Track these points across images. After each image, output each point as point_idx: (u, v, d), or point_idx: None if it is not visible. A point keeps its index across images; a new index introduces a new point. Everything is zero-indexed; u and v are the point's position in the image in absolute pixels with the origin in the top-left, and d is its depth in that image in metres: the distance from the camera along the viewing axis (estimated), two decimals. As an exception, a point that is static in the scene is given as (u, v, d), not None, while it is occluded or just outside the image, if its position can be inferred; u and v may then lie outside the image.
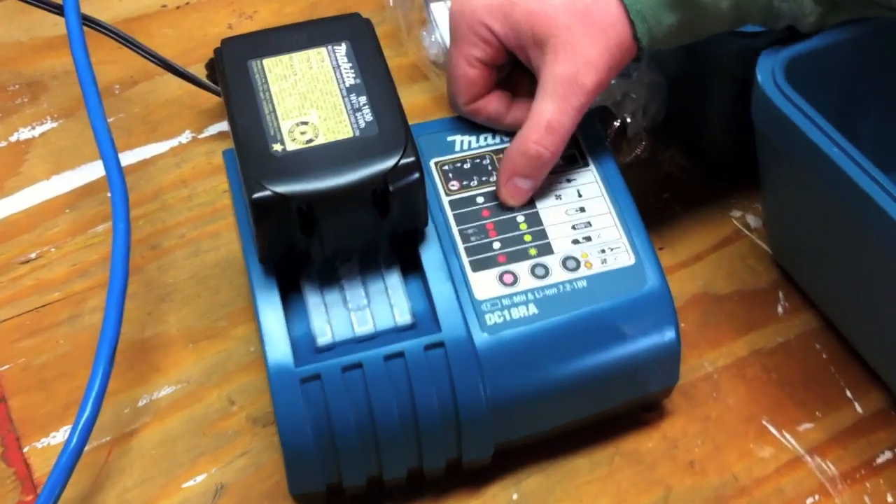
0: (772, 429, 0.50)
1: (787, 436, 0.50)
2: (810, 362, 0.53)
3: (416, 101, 0.66)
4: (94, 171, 0.62)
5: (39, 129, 0.65)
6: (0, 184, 0.62)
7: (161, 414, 0.52)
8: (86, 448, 0.49)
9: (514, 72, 0.50)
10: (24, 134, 0.64)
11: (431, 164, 0.50)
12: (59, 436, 0.51)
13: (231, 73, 0.45)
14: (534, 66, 0.47)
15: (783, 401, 0.51)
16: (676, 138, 0.61)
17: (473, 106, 0.49)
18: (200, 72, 0.63)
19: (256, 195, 0.41)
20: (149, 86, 0.67)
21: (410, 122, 0.65)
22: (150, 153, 0.64)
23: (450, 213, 0.48)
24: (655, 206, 0.59)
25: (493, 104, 0.49)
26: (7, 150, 0.63)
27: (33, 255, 0.58)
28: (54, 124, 0.65)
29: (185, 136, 0.64)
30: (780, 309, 0.55)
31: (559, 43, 0.45)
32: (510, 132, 0.50)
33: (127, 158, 0.63)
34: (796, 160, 0.47)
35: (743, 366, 0.53)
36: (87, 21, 0.61)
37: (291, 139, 0.43)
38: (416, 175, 0.43)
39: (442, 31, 0.63)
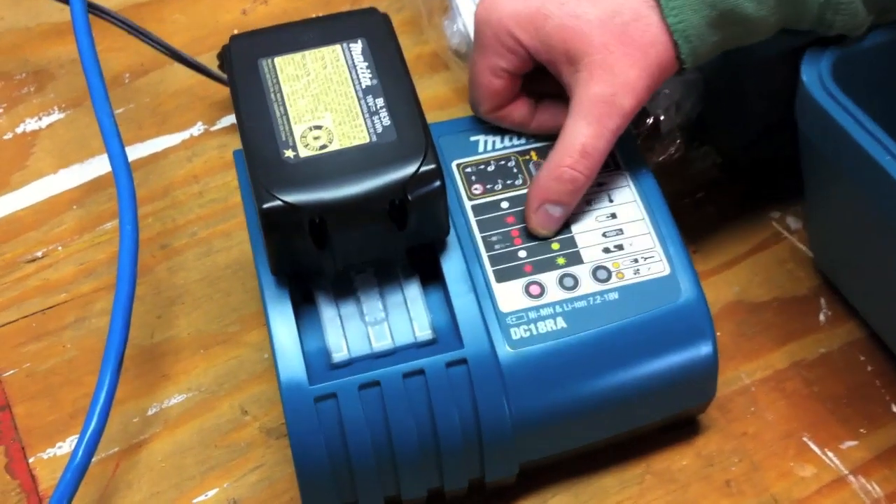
0: (813, 446, 0.48)
1: (830, 454, 0.47)
2: (854, 375, 0.50)
3: (437, 93, 0.63)
4: (103, 164, 0.60)
5: (46, 121, 0.62)
6: (5, 178, 0.59)
7: (171, 424, 0.50)
8: (92, 460, 0.47)
9: (539, 72, 0.47)
10: (31, 125, 0.62)
11: (453, 166, 0.47)
12: (66, 446, 0.49)
13: (240, 72, 0.42)
14: (565, 82, 0.44)
15: (825, 416, 0.48)
16: (711, 135, 0.57)
17: (498, 114, 0.47)
18: (212, 60, 0.61)
19: (266, 205, 0.39)
20: (159, 75, 0.65)
21: (430, 114, 0.63)
22: (161, 146, 0.61)
23: (472, 219, 0.46)
24: (688, 206, 0.56)
25: (517, 111, 0.46)
26: (13, 143, 0.61)
27: (39, 254, 0.56)
28: (61, 115, 0.63)
29: (197, 129, 0.62)
30: (822, 318, 0.52)
31: (594, 62, 0.42)
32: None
33: (137, 152, 0.61)
34: (843, 165, 0.44)
35: (782, 379, 0.50)
36: (93, 9, 0.58)
37: (304, 145, 0.40)
38: (438, 184, 0.40)
39: (465, 19, 0.60)
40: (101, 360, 0.46)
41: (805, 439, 0.48)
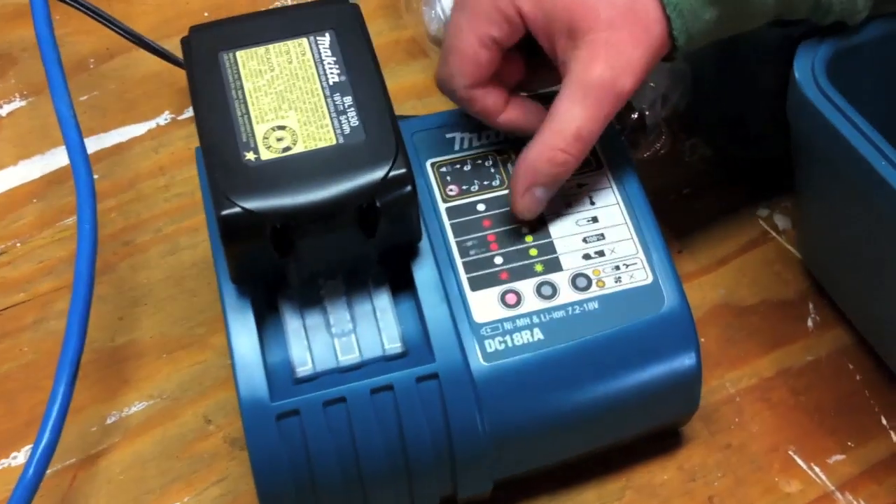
0: (799, 460, 0.46)
1: (816, 469, 0.46)
2: (842, 385, 0.48)
3: (416, 81, 0.61)
4: (65, 155, 0.57)
5: (7, 108, 0.60)
6: (-37, 170, 0.57)
7: (131, 433, 0.47)
8: (48, 472, 0.45)
9: (511, 57, 0.43)
10: (-10, 113, 0.59)
11: (427, 165, 0.45)
12: (21, 456, 0.47)
13: (199, 67, 0.40)
14: (559, 59, 0.41)
15: (812, 429, 0.47)
16: (699, 127, 0.55)
17: (474, 91, 0.43)
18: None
19: (225, 212, 0.36)
20: (126, 59, 0.62)
21: (408, 104, 0.61)
22: (126, 136, 0.59)
23: (447, 223, 0.43)
24: (674, 202, 0.54)
25: (491, 97, 0.43)
26: (-29, 132, 0.59)
27: (-3, 251, 0.54)
28: (23, 102, 0.60)
29: (164, 118, 0.59)
30: (810, 323, 0.50)
31: (598, 40, 0.39)
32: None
33: (101, 142, 0.58)
34: (836, 167, 0.42)
35: (768, 388, 0.48)
36: (53, -9, 0.55)
37: (266, 147, 0.38)
38: (409, 188, 0.38)
39: (444, 4, 0.57)
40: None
41: (791, 453, 0.46)
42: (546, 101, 0.42)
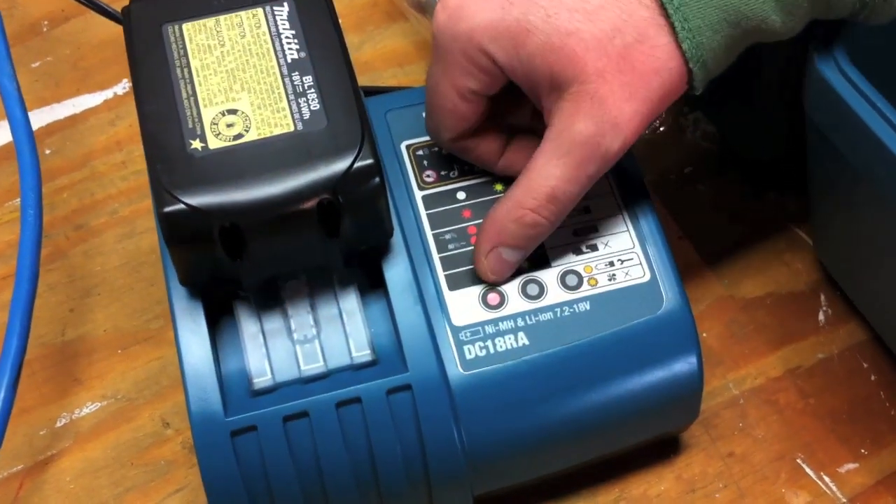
0: (808, 470, 0.42)
1: (827, 479, 0.42)
2: (856, 386, 0.44)
3: (396, 46, 0.56)
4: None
5: (-49, 76, 0.55)
6: None
7: (82, 437, 0.44)
8: (-9, 481, 0.41)
9: (511, 95, 0.38)
10: (-67, 82, 0.55)
11: (402, 147, 0.41)
12: (-38, 464, 0.43)
13: (140, 41, 0.35)
14: (543, 107, 0.36)
15: (822, 434, 0.43)
16: (701, 101, 0.51)
17: (464, 143, 0.39)
18: (138, 10, 0.53)
19: (167, 209, 0.32)
20: (82, 22, 0.57)
21: (388, 72, 0.56)
22: (81, 106, 0.54)
23: (423, 213, 0.39)
24: (675, 184, 0.50)
25: (484, 145, 0.38)
26: (-89, 103, 0.54)
27: (-62, 235, 0.50)
28: (-31, 70, 0.55)
29: (122, 87, 0.55)
30: (821, 317, 0.46)
31: (583, 93, 0.34)
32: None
33: (53, 113, 0.54)
34: (857, 157, 0.37)
35: (775, 389, 0.44)
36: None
37: (214, 134, 0.33)
38: (376, 181, 0.33)
39: (425, -36, 0.52)
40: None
41: (799, 461, 0.42)
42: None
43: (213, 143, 0.33)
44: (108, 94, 0.54)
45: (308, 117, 0.34)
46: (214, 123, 0.34)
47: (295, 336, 0.36)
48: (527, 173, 0.36)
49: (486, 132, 0.38)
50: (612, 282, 0.38)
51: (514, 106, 0.39)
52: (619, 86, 0.34)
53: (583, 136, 0.34)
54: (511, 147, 0.39)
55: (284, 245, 0.34)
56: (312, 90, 0.34)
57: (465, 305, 0.38)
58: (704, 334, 0.45)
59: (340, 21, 0.37)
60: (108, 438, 0.44)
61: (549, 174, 0.35)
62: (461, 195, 0.40)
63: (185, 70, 0.35)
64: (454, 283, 0.38)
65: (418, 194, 0.40)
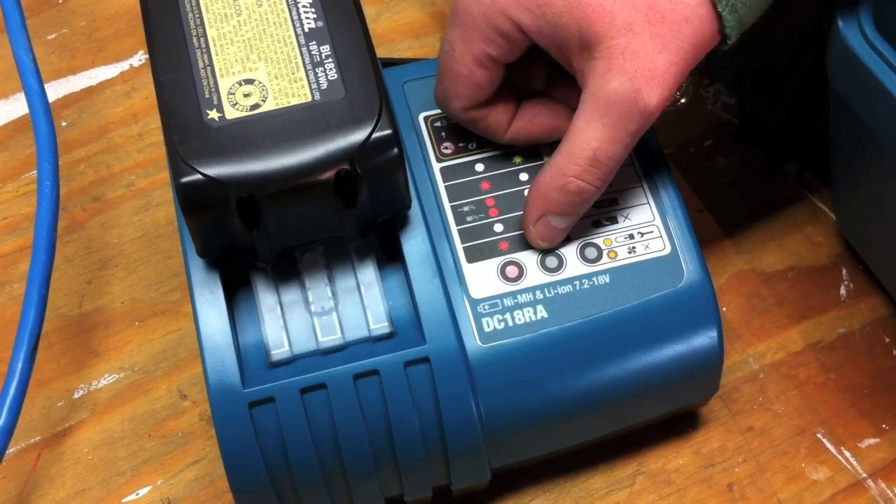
0: (828, 444, 0.42)
1: (847, 454, 0.42)
2: (878, 360, 0.44)
3: (413, 18, 0.55)
4: (31, 100, 0.53)
5: (-33, 48, 0.55)
6: (-81, 116, 0.52)
7: (100, 409, 0.44)
8: (10, 451, 0.42)
9: (524, 63, 0.37)
10: (-50, 54, 0.55)
11: (420, 119, 0.40)
12: (-19, 434, 0.43)
13: (156, 10, 0.35)
14: (575, 70, 0.35)
15: (843, 409, 0.43)
16: (723, 72, 0.50)
17: (474, 113, 0.38)
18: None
19: (184, 179, 0.32)
20: (97, -7, 0.57)
21: (405, 44, 0.56)
22: (97, 78, 0.54)
23: (441, 185, 0.39)
24: (695, 157, 0.49)
25: (495, 115, 0.38)
26: (-72, 74, 0.54)
27: (-44, 206, 0.50)
28: (-16, 41, 0.55)
29: (138, 59, 0.54)
30: (843, 291, 0.45)
31: (615, 48, 0.33)
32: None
33: (69, 85, 0.54)
34: (881, 126, 0.37)
35: (796, 364, 0.44)
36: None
37: (231, 104, 0.33)
38: (394, 152, 0.33)
39: (442, -67, 0.52)
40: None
41: (819, 436, 0.42)
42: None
43: (230, 114, 0.33)
44: (124, 65, 0.54)
45: (325, 87, 0.33)
46: (231, 93, 0.33)
47: (312, 308, 0.36)
48: (567, 138, 0.35)
49: (496, 102, 0.38)
50: (632, 255, 0.38)
51: (527, 76, 0.38)
52: (650, 37, 0.33)
53: (618, 93, 0.34)
54: (518, 116, 0.38)
55: (301, 216, 0.33)
56: (330, 60, 0.34)
57: (483, 278, 0.37)
58: (724, 308, 0.45)
59: (358, -10, 0.36)
60: (125, 410, 0.44)
61: (589, 137, 0.35)
62: (479, 167, 0.39)
63: (202, 39, 0.34)
64: (472, 256, 0.38)
65: (436, 166, 0.39)
